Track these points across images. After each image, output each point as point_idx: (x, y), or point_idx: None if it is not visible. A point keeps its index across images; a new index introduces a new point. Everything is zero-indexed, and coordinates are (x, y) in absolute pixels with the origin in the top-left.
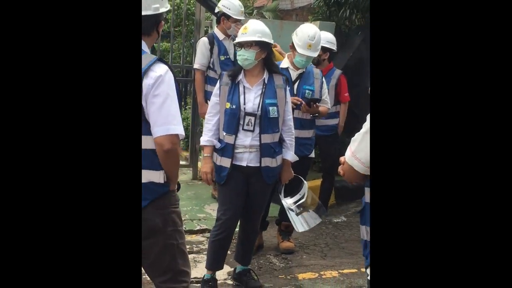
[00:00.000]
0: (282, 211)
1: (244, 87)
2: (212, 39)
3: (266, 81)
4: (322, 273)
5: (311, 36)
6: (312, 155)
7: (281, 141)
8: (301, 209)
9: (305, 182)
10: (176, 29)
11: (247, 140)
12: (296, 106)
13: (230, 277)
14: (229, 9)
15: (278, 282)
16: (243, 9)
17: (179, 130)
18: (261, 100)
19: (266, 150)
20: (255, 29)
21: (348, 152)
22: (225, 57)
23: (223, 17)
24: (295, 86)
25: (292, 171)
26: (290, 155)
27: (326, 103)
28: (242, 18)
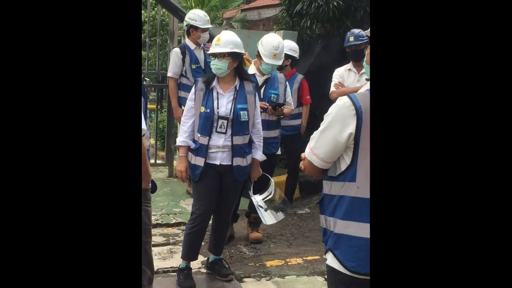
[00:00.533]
0: (251, 205)
1: (217, 93)
2: (184, 49)
3: (237, 88)
4: (288, 260)
5: (276, 46)
6: (279, 152)
7: (251, 142)
8: (269, 204)
9: (272, 180)
10: (152, 39)
11: (220, 141)
12: (263, 110)
13: (203, 266)
14: (195, 20)
15: (248, 269)
16: (208, 17)
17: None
18: (233, 105)
19: (237, 150)
20: (227, 41)
21: (307, 149)
22: (196, 65)
23: (191, 29)
24: (262, 90)
25: (260, 169)
26: (259, 155)
27: (290, 105)
28: (209, 26)
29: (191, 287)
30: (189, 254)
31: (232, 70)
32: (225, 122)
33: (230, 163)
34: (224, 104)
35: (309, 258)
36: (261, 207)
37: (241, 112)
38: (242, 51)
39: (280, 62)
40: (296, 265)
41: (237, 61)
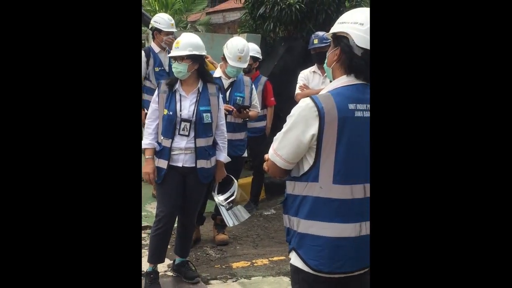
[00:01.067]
0: (218, 207)
1: (180, 95)
2: (149, 52)
3: (200, 90)
4: (254, 261)
5: (241, 49)
6: (245, 154)
7: (215, 144)
8: (231, 204)
9: (235, 180)
10: None
11: (182, 143)
12: (228, 112)
13: (170, 269)
14: (159, 23)
15: (214, 271)
16: (173, 21)
17: None
18: (196, 107)
19: (201, 152)
20: (186, 43)
21: (271, 150)
22: (159, 68)
23: (155, 32)
24: (228, 93)
25: (225, 171)
26: (223, 156)
27: (256, 107)
28: (173, 30)
29: None
30: (155, 257)
31: (194, 72)
32: (188, 124)
33: (193, 165)
34: (186, 106)
35: (275, 258)
36: (222, 206)
37: (204, 114)
38: (203, 53)
39: (245, 65)
40: (262, 266)
41: (197, 63)
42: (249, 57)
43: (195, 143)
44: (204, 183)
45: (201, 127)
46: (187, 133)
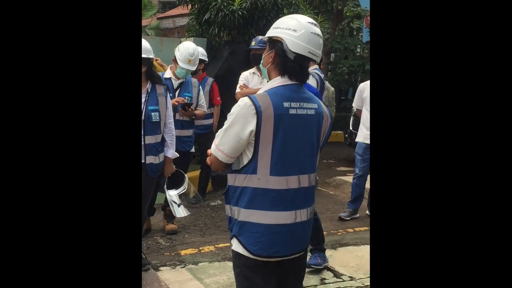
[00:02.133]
0: (167, 198)
1: None
2: None
3: (149, 90)
4: (201, 248)
5: (191, 53)
6: (192, 150)
7: (163, 140)
8: (182, 198)
9: (186, 176)
10: None
11: None
12: (178, 104)
13: None
14: None
15: (164, 258)
16: None
17: None
18: (145, 107)
19: (150, 149)
20: None
21: (213, 146)
22: None
23: None
24: (177, 93)
25: (174, 166)
26: (171, 153)
27: (203, 107)
28: None
29: None
30: None
31: (142, 74)
32: None
33: (143, 161)
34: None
35: (221, 245)
36: (174, 202)
37: (153, 114)
38: (150, 56)
39: (194, 68)
40: (209, 253)
41: (145, 66)
42: (198, 61)
43: (144, 140)
44: (154, 178)
45: (149, 126)
46: None
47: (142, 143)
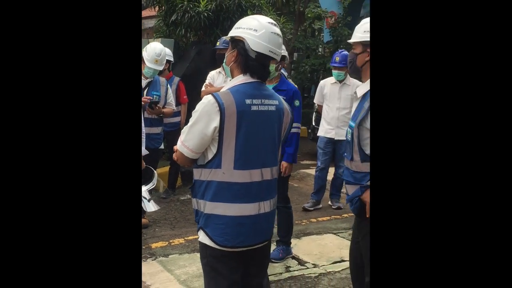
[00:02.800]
0: None
1: None
2: None
3: None
4: (171, 241)
5: (158, 53)
6: (162, 147)
7: None
8: (152, 193)
9: (155, 172)
10: None
11: None
12: (146, 104)
13: None
14: None
15: None
16: None
17: None
18: None
19: None
20: None
21: (179, 142)
22: None
23: None
24: (145, 92)
25: (144, 163)
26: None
27: (171, 105)
28: None
29: None
30: None
31: None
32: None
33: None
34: None
35: (190, 237)
36: (145, 197)
37: None
38: None
39: (161, 68)
40: (179, 245)
41: None
42: (165, 61)
43: None
44: None
45: None
46: None
47: None
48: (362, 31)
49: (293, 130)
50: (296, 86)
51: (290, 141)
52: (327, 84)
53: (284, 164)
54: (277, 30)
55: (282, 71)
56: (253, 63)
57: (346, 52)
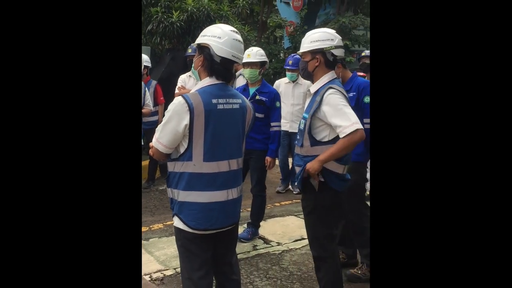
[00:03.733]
0: None
1: None
2: None
3: None
4: (151, 226)
5: (145, 58)
6: (142, 143)
7: None
8: None
9: None
10: None
11: None
12: None
13: None
14: None
15: None
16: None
17: None
18: None
19: None
20: None
21: (154, 139)
22: None
23: None
24: None
25: None
26: None
27: (149, 106)
28: None
29: None
30: None
31: None
32: None
33: None
34: None
35: (169, 223)
36: None
37: None
38: None
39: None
40: (158, 230)
41: None
42: (143, 65)
43: None
44: None
45: None
46: None
47: None
48: (308, 42)
49: (275, 128)
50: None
51: (272, 139)
52: (282, 84)
53: (268, 159)
54: (239, 37)
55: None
56: (218, 66)
57: (298, 56)
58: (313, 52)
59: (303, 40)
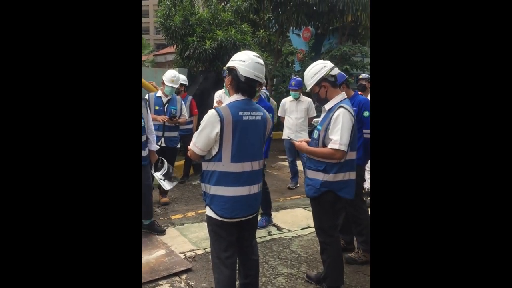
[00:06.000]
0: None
1: None
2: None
3: None
4: (185, 214)
5: (173, 75)
6: (178, 146)
7: (147, 139)
8: (165, 176)
9: (165, 161)
10: None
11: None
12: (164, 122)
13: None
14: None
15: (159, 222)
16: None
17: None
18: None
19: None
20: None
21: (191, 143)
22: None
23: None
24: (165, 107)
25: (156, 156)
26: (154, 146)
27: (185, 116)
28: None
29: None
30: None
31: None
32: None
33: None
34: None
35: (200, 211)
36: (161, 179)
37: (142, 119)
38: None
39: (176, 86)
40: (191, 217)
41: None
42: (179, 81)
43: None
44: (145, 165)
45: None
46: None
47: None
48: (309, 78)
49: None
50: (275, 102)
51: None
52: (287, 102)
53: None
54: (260, 61)
55: (265, 91)
56: (242, 85)
57: (299, 78)
58: (318, 83)
59: (304, 80)
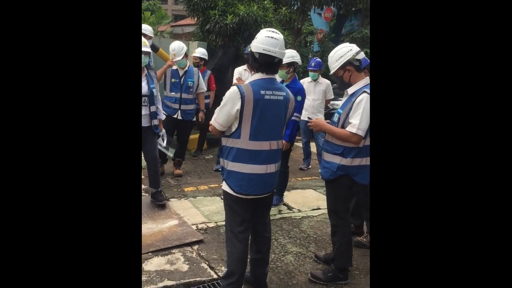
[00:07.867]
0: (176, 152)
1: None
2: None
3: (147, 75)
4: (198, 187)
5: (172, 49)
6: (194, 119)
7: (157, 109)
8: (168, 144)
9: (164, 130)
10: None
11: (144, 111)
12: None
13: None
14: (145, 30)
15: (173, 193)
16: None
17: None
18: (147, 86)
19: (153, 115)
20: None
21: (213, 119)
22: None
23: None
24: (182, 79)
25: (162, 126)
26: (162, 116)
27: (203, 89)
28: (152, 36)
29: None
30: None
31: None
32: (146, 98)
33: (148, 124)
34: (144, 86)
35: (212, 186)
36: (165, 148)
37: (154, 90)
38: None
39: (180, 57)
40: (204, 190)
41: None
42: (201, 57)
43: (149, 109)
44: (155, 134)
45: (152, 98)
46: (146, 104)
47: (149, 111)
48: (334, 61)
49: (292, 118)
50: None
51: (288, 126)
52: (305, 82)
53: (283, 142)
54: (272, 34)
55: None
56: (256, 62)
57: (319, 59)
58: (343, 67)
59: (329, 62)
